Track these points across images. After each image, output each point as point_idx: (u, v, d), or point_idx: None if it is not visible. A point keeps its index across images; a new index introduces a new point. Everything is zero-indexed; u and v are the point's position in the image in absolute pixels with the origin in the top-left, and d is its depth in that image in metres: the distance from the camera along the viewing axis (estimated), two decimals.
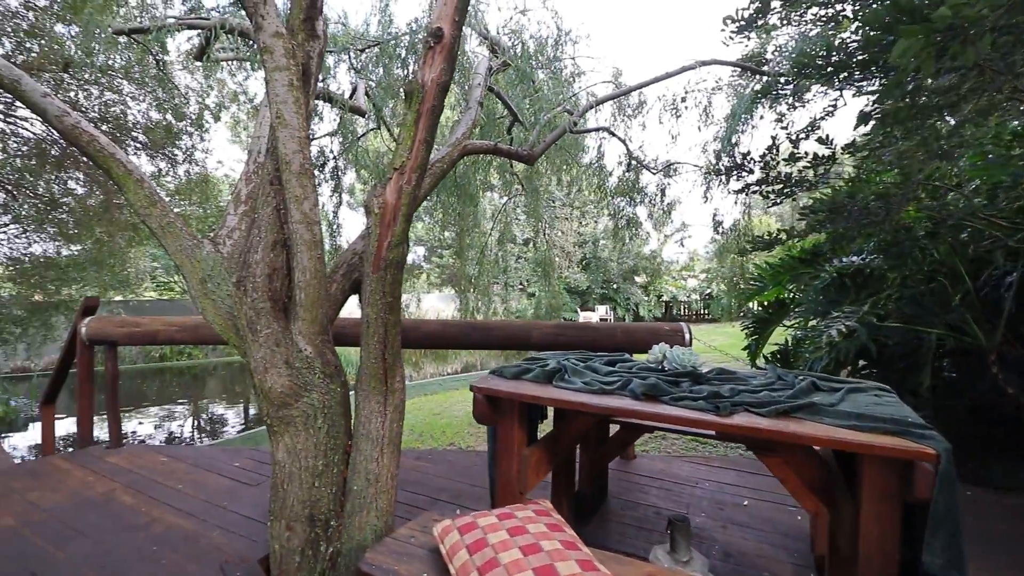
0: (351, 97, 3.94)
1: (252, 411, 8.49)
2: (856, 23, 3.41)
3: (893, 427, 1.36)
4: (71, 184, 7.59)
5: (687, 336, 3.05)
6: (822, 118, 3.82)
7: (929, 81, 2.45)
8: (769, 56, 4.41)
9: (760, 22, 3.65)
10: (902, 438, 1.33)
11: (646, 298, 21.80)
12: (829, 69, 3.38)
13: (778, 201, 3.86)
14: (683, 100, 5.11)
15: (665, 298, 22.23)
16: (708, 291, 22.01)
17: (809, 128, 3.77)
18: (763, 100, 4.21)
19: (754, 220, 6.44)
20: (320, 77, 2.39)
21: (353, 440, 1.95)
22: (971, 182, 3.00)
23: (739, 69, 4.61)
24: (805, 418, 1.52)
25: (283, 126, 1.84)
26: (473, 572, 1.21)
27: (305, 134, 1.90)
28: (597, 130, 5.26)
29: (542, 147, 3.98)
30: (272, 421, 1.90)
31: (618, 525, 2.59)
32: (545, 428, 2.40)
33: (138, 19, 5.60)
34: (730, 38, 3.70)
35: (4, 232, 7.55)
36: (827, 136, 3.43)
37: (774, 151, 3.98)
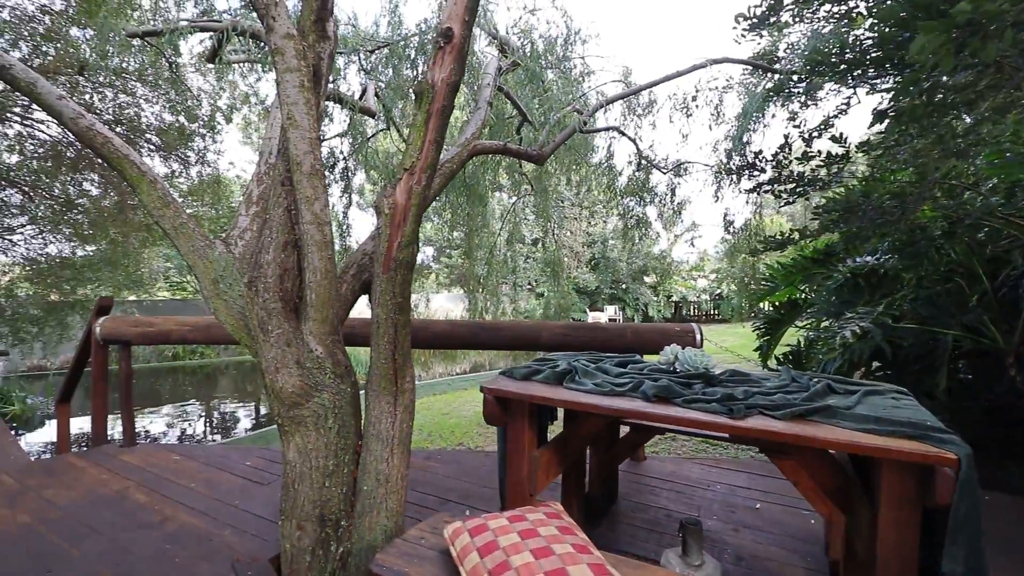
0: (361, 98, 3.95)
1: (263, 410, 8.56)
2: (870, 19, 3.36)
3: (912, 431, 1.34)
4: (86, 185, 7.70)
5: (698, 337, 3.02)
6: (835, 116, 3.77)
7: (944, 79, 2.41)
8: (781, 54, 4.36)
9: (772, 19, 3.61)
10: (921, 442, 1.30)
11: (655, 298, 21.70)
12: (842, 67, 3.34)
13: (791, 200, 3.81)
14: (694, 99, 5.08)
15: (675, 298, 22.11)
16: (718, 291, 21.86)
17: (822, 126, 3.72)
18: (775, 98, 4.16)
19: (765, 220, 6.38)
20: (330, 78, 2.40)
21: (363, 440, 1.95)
22: (988, 181, 2.94)
23: (751, 67, 4.56)
24: (821, 421, 1.50)
25: (294, 127, 1.85)
26: (484, 575, 1.21)
27: (316, 135, 1.90)
28: (607, 129, 5.23)
29: (552, 147, 3.97)
30: (283, 421, 1.91)
31: (628, 527, 2.57)
32: (555, 429, 2.39)
33: (151, 22, 5.67)
34: (742, 36, 3.67)
35: (21, 233, 7.68)
36: (841, 134, 3.38)
37: (786, 150, 3.93)
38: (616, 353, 2.65)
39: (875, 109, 3.01)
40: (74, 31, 6.18)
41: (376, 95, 4.08)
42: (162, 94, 7.04)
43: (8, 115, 6.68)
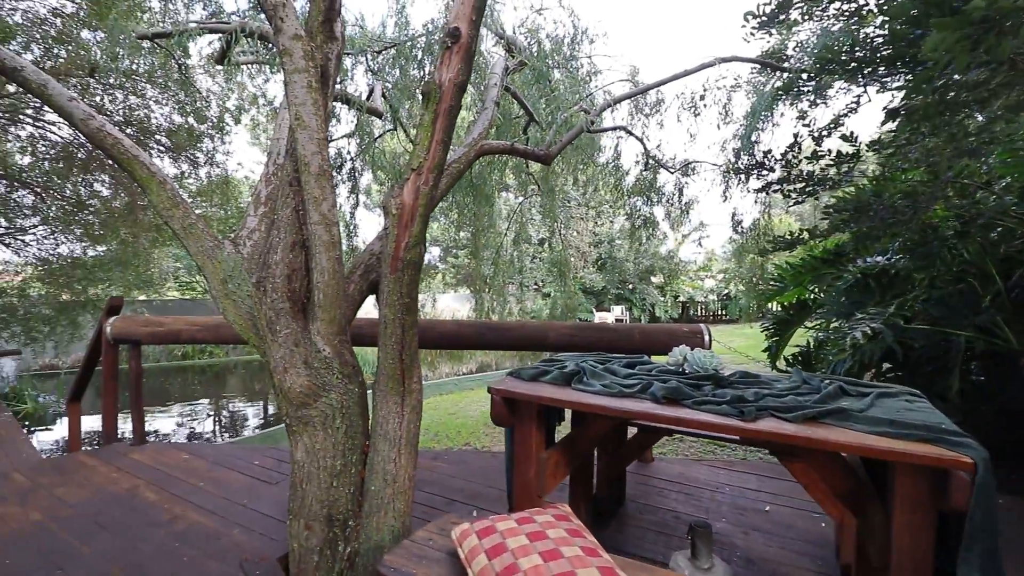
0: (368, 99, 3.96)
1: (271, 409, 8.60)
2: (881, 17, 3.32)
3: (927, 434, 1.31)
4: (97, 186, 7.79)
5: (706, 338, 3.00)
6: (845, 115, 3.74)
7: (957, 76, 2.38)
8: (790, 52, 4.33)
9: (782, 17, 3.58)
10: (936, 446, 1.28)
11: (662, 299, 21.61)
12: (853, 65, 3.31)
13: (800, 200, 3.78)
14: (702, 98, 5.04)
15: (682, 299, 21.99)
16: (726, 292, 21.74)
17: (832, 125, 3.69)
18: (784, 97, 4.13)
19: (774, 220, 6.33)
20: (338, 79, 2.40)
21: (371, 440, 1.95)
22: (1001, 180, 2.90)
23: (759, 66, 4.53)
24: (834, 424, 1.48)
25: (302, 128, 1.85)
26: None
27: (324, 136, 1.91)
28: (614, 129, 5.21)
29: (559, 147, 3.95)
30: (291, 421, 1.91)
31: (637, 529, 2.56)
32: (562, 430, 2.38)
33: (161, 24, 5.71)
34: (751, 34, 3.65)
35: (33, 233, 7.78)
36: (851, 133, 3.35)
37: (796, 149, 3.90)
38: (624, 354, 2.63)
39: (886, 107, 2.99)
40: (85, 33, 6.25)
41: (383, 96, 4.09)
42: (171, 96, 7.10)
43: (20, 117, 6.77)
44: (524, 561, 1.18)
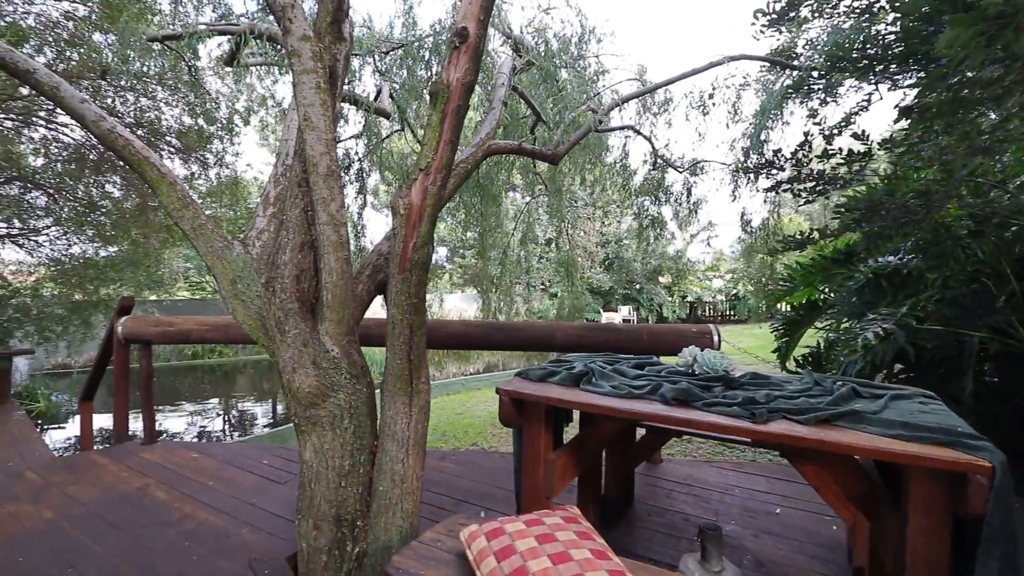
0: (376, 99, 3.97)
1: (280, 408, 8.65)
2: (893, 13, 3.28)
3: (943, 437, 1.29)
4: (108, 188, 7.87)
5: (716, 338, 2.98)
6: (856, 113, 3.69)
7: (969, 74, 2.34)
8: (800, 50, 4.29)
9: (792, 15, 3.55)
10: (953, 449, 1.26)
11: (670, 299, 21.50)
12: (864, 62, 3.27)
13: (810, 199, 3.74)
14: (710, 97, 5.00)
15: (690, 299, 21.88)
16: (734, 292, 21.60)
17: (843, 123, 3.65)
18: (794, 95, 4.09)
19: (783, 219, 6.27)
20: (346, 80, 2.40)
21: (379, 441, 1.95)
22: (1016, 178, 2.85)
23: (769, 64, 4.48)
24: (847, 426, 1.46)
25: (311, 128, 1.85)
26: None
27: (332, 136, 1.91)
28: (622, 128, 5.18)
29: (566, 146, 3.94)
30: (300, 421, 1.92)
31: (645, 531, 2.54)
32: (570, 431, 2.37)
33: (171, 26, 5.76)
34: (760, 32, 3.62)
35: (46, 234, 7.88)
36: (863, 131, 3.31)
37: (806, 148, 3.86)
38: (632, 354, 2.62)
39: (898, 105, 2.95)
40: (97, 36, 6.31)
41: (391, 96, 4.10)
42: (181, 97, 7.15)
43: (34, 119, 6.85)
44: (533, 564, 1.17)
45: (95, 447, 4.28)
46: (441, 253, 22.28)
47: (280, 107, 7.47)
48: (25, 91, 6.10)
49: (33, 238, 7.81)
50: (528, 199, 7.08)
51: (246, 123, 8.05)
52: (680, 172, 5.55)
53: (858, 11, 3.53)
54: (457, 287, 22.32)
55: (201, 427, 7.59)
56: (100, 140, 2.14)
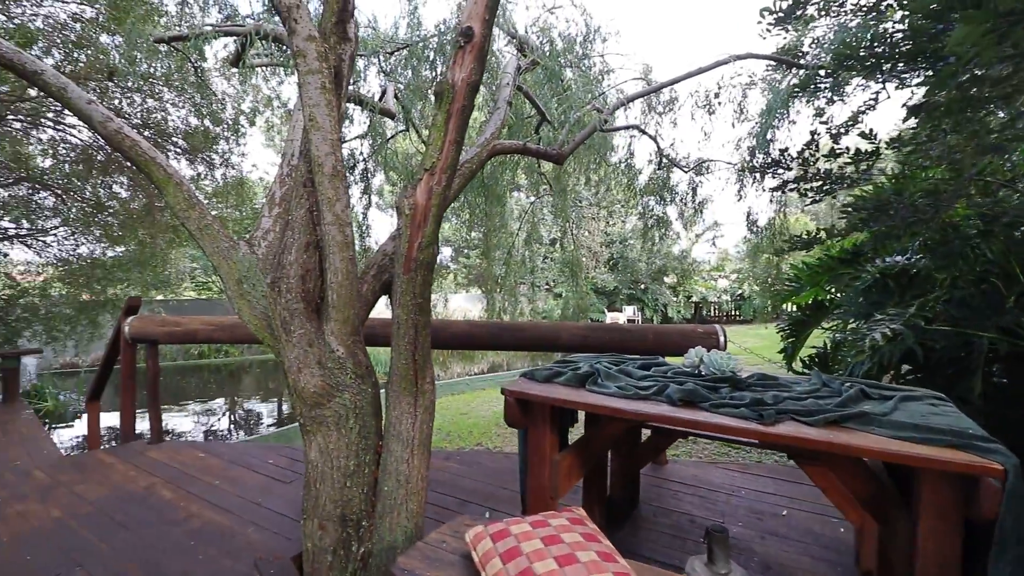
0: (381, 99, 3.97)
1: (285, 408, 8.68)
2: (901, 11, 3.25)
3: (955, 440, 1.28)
4: (115, 188, 7.93)
5: (721, 339, 2.96)
6: (863, 112, 3.66)
7: (978, 72, 2.32)
8: (806, 49, 4.26)
9: (798, 13, 3.53)
10: (964, 451, 1.24)
11: (675, 299, 21.43)
12: (871, 61, 3.24)
13: (817, 199, 3.71)
14: (716, 96, 4.98)
15: (695, 299, 21.80)
16: (739, 292, 21.51)
17: (850, 122, 3.62)
18: (801, 94, 4.06)
19: (789, 219, 6.24)
20: (351, 80, 2.41)
21: (384, 441, 1.95)
22: None
23: (775, 63, 4.46)
24: (856, 428, 1.44)
25: (316, 129, 1.85)
26: None
27: (337, 136, 1.91)
28: (627, 128, 5.16)
29: (571, 146, 3.93)
30: (305, 421, 1.92)
31: (651, 533, 2.53)
32: (576, 432, 2.36)
33: (177, 28, 5.79)
34: (767, 31, 3.59)
35: (54, 234, 7.94)
36: (870, 130, 3.28)
37: (813, 147, 3.84)
38: (637, 355, 2.60)
39: (906, 104, 2.92)
40: (104, 38, 6.35)
41: (395, 96, 4.10)
42: (188, 98, 7.19)
43: (42, 120, 6.90)
44: (539, 566, 1.17)
45: (102, 446, 4.31)
46: (446, 253, 22.29)
47: (286, 107, 7.49)
48: (33, 92, 6.14)
49: (41, 238, 7.88)
50: (533, 199, 7.08)
51: (252, 124, 8.09)
52: (685, 171, 5.53)
53: (865, 9, 3.50)
54: (462, 287, 22.34)
55: (207, 427, 7.63)
56: (107, 141, 2.14)
